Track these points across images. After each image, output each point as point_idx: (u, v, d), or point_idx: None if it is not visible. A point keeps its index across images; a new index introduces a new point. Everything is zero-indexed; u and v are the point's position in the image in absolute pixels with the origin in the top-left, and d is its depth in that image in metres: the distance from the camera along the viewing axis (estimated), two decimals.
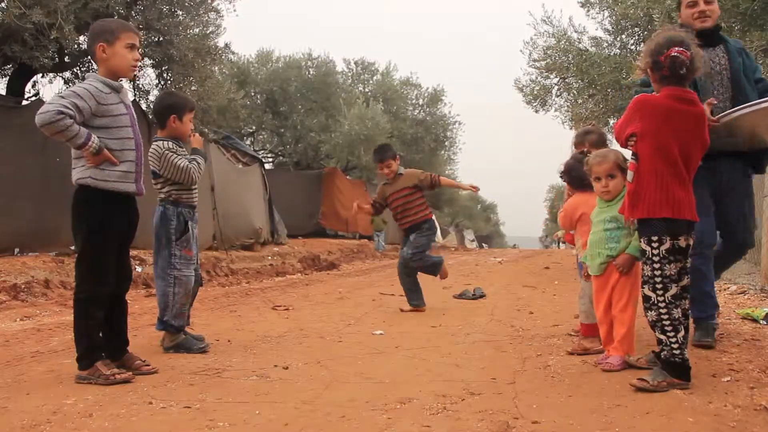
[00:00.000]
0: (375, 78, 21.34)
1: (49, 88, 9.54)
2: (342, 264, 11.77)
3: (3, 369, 3.17)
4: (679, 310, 2.69)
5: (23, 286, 5.98)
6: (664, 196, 2.67)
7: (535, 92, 9.08)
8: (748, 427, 2.21)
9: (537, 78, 9.07)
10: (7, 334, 4.20)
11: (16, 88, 8.55)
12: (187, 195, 3.66)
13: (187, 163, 3.57)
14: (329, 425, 2.29)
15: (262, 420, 2.35)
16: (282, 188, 14.69)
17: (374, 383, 2.88)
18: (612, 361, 3.05)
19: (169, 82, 9.29)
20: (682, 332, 2.69)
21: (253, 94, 18.57)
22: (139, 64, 3.12)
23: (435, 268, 5.39)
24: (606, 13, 8.32)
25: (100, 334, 3.01)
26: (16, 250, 7.05)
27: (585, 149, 3.73)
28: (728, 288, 6.03)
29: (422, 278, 5.48)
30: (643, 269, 2.76)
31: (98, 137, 2.88)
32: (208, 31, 9.18)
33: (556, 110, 9.33)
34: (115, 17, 7.51)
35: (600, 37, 8.52)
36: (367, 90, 21.09)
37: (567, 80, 8.72)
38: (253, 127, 19.50)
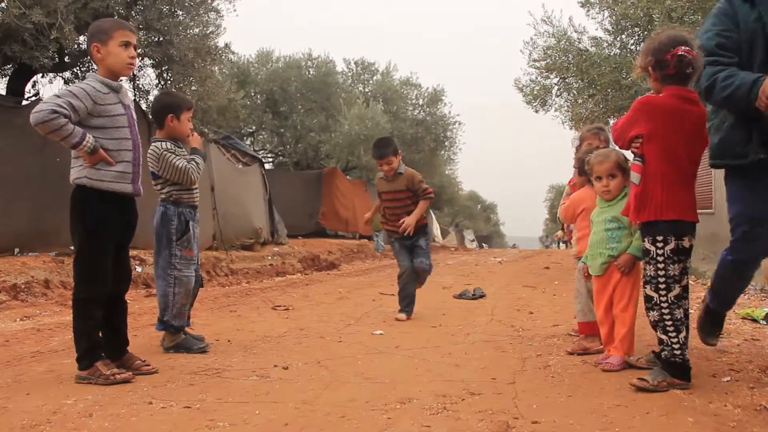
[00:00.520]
0: (375, 78, 21.34)
1: (49, 88, 9.52)
2: (342, 264, 11.76)
3: (3, 369, 3.17)
4: (681, 310, 2.69)
5: (23, 286, 5.97)
6: (670, 198, 2.67)
7: (535, 92, 9.08)
8: (748, 427, 2.21)
9: (537, 78, 9.08)
10: (7, 334, 4.20)
11: (16, 88, 8.55)
12: (187, 195, 3.66)
13: (186, 163, 3.56)
14: (329, 425, 2.29)
15: (262, 420, 2.35)
16: (282, 188, 14.69)
17: (374, 383, 2.88)
18: (612, 361, 3.05)
19: (169, 82, 9.29)
20: (684, 333, 2.69)
21: (253, 94, 18.56)
22: (136, 61, 3.08)
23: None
24: (606, 13, 8.32)
25: (100, 334, 3.01)
26: (16, 250, 7.05)
27: (599, 144, 3.75)
28: None
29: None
30: (645, 269, 2.75)
31: (95, 137, 2.88)
32: (208, 31, 9.17)
33: (556, 110, 9.34)
34: (115, 17, 7.51)
35: (600, 37, 8.53)
36: (367, 90, 21.08)
37: (567, 80, 8.73)
38: (253, 127, 19.49)
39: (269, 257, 11.03)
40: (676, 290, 2.68)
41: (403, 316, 4.90)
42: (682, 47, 2.62)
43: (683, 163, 2.69)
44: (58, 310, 5.35)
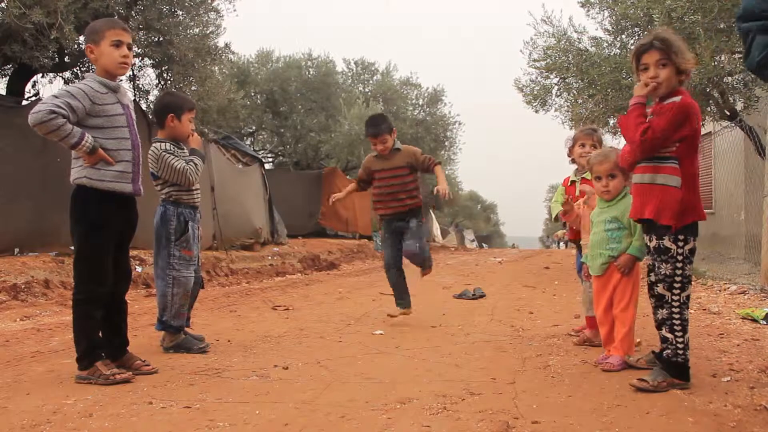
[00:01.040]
0: (375, 78, 21.33)
1: (49, 88, 9.52)
2: (342, 264, 11.76)
3: (3, 369, 3.17)
4: (688, 311, 2.70)
5: (23, 286, 5.97)
6: (699, 198, 2.69)
7: (535, 92, 9.07)
8: (748, 427, 2.22)
9: (537, 78, 9.06)
10: (7, 334, 4.20)
11: (16, 88, 8.55)
12: (187, 195, 3.66)
13: (184, 164, 3.55)
14: (329, 425, 2.29)
15: (262, 420, 2.35)
16: (282, 188, 14.69)
17: (374, 383, 2.88)
18: (612, 361, 3.05)
19: (169, 82, 9.28)
20: (688, 333, 2.70)
21: (253, 94, 18.56)
22: (130, 60, 3.05)
23: (430, 260, 4.80)
24: (606, 13, 8.31)
25: (100, 334, 3.01)
26: (16, 250, 7.05)
27: (593, 144, 3.76)
28: (728, 288, 6.03)
29: (420, 276, 5.37)
30: (659, 267, 2.70)
31: (93, 137, 2.88)
32: (208, 31, 9.17)
33: (556, 110, 9.33)
34: (115, 17, 7.51)
35: (600, 37, 8.51)
36: (367, 90, 21.08)
37: (567, 80, 8.72)
38: (253, 127, 19.49)
39: (269, 257, 11.03)
40: (688, 290, 2.69)
41: (396, 311, 4.62)
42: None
43: (698, 163, 2.72)
44: (58, 310, 5.35)
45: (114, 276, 3.05)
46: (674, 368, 2.68)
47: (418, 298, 6.21)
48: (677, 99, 2.65)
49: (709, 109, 7.88)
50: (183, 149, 3.65)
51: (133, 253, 3.50)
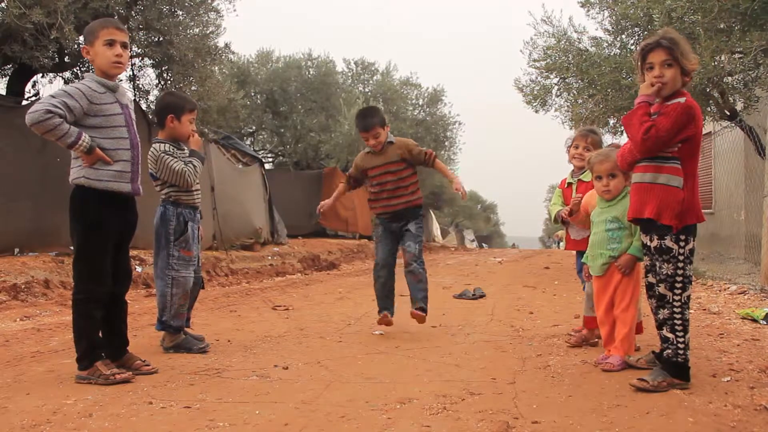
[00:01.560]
0: (375, 78, 21.32)
1: (49, 88, 9.50)
2: (342, 264, 11.76)
3: (3, 369, 3.17)
4: (689, 311, 2.70)
5: (23, 286, 5.97)
6: (698, 199, 2.69)
7: (535, 92, 9.06)
8: (748, 427, 2.22)
9: (537, 78, 9.05)
10: (7, 334, 4.20)
11: (16, 88, 8.55)
12: (187, 196, 3.66)
13: (183, 166, 3.55)
14: (329, 425, 2.29)
15: (262, 420, 2.35)
16: (282, 188, 14.69)
17: (374, 383, 2.88)
18: (612, 361, 3.05)
19: (169, 82, 9.27)
20: (689, 334, 2.70)
21: (253, 94, 18.55)
22: (125, 59, 3.01)
23: (426, 290, 4.23)
24: (606, 13, 8.30)
25: (100, 334, 3.01)
26: (16, 250, 7.05)
27: (585, 146, 3.78)
28: (728, 288, 6.03)
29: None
30: (660, 267, 2.70)
31: (91, 136, 2.88)
32: (208, 31, 9.16)
33: (556, 110, 9.32)
34: (115, 17, 7.51)
35: (600, 37, 8.50)
36: (367, 90, 21.07)
37: (567, 80, 8.71)
38: (253, 127, 19.49)
39: (269, 257, 11.03)
40: (689, 290, 2.69)
41: (382, 317, 4.18)
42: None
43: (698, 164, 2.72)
44: (58, 310, 5.34)
45: (114, 276, 3.05)
46: (674, 368, 2.68)
47: None
48: (682, 100, 2.65)
49: (709, 109, 7.87)
50: (183, 149, 3.65)
51: (133, 253, 3.51)
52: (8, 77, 8.64)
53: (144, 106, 9.17)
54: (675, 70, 2.66)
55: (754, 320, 4.30)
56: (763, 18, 5.98)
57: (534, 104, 9.23)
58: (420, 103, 21.56)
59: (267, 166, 16.88)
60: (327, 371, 3.12)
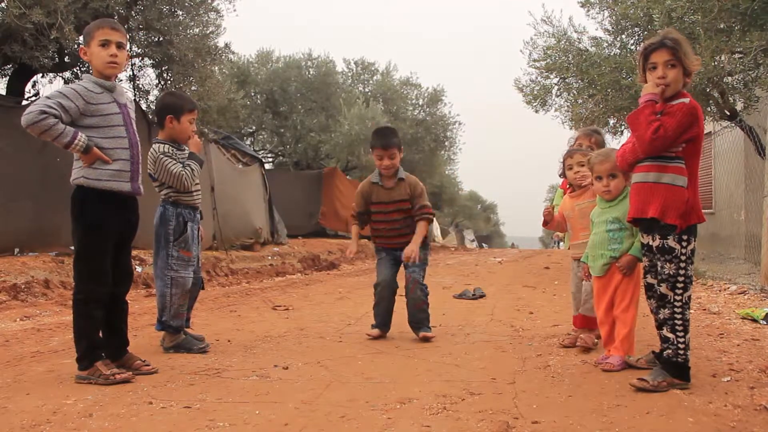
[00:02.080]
0: (375, 78, 21.34)
1: (49, 88, 9.50)
2: (342, 264, 11.76)
3: (3, 369, 3.17)
4: (689, 311, 2.70)
5: (23, 286, 5.97)
6: (699, 199, 2.69)
7: (535, 92, 9.06)
8: (748, 427, 2.22)
9: (537, 78, 9.06)
10: (7, 334, 4.20)
11: (16, 88, 8.55)
12: (187, 196, 3.65)
13: (180, 169, 3.54)
14: (329, 425, 2.29)
15: (262, 420, 2.35)
16: (282, 188, 14.70)
17: (374, 383, 2.88)
18: (612, 361, 3.05)
19: (169, 82, 9.27)
20: (689, 334, 2.70)
21: (253, 94, 18.57)
22: (121, 59, 3.00)
23: (427, 313, 4.07)
24: (606, 13, 8.31)
25: (100, 334, 3.01)
26: (16, 250, 7.05)
27: (589, 145, 3.80)
28: (728, 288, 6.04)
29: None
30: (662, 267, 2.70)
31: (89, 136, 2.87)
32: (208, 31, 9.16)
33: (556, 110, 9.32)
34: (115, 17, 7.51)
35: (600, 37, 8.51)
36: (367, 90, 21.09)
37: (567, 80, 8.71)
38: (253, 127, 19.50)
39: (269, 257, 11.03)
40: (690, 290, 2.69)
41: (375, 331, 4.08)
42: None
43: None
44: (58, 310, 5.34)
45: (115, 276, 3.05)
46: (675, 368, 2.68)
47: None
48: (686, 100, 2.65)
49: (709, 109, 7.87)
50: (184, 150, 3.65)
51: (133, 253, 3.50)
52: (8, 77, 8.65)
53: (144, 106, 9.17)
54: (678, 71, 2.67)
55: (754, 320, 4.30)
56: (763, 18, 5.98)
57: (534, 104, 9.24)
58: (420, 103, 21.57)
59: (267, 166, 16.90)
60: (327, 371, 3.12)
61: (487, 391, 2.72)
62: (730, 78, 7.29)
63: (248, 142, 18.61)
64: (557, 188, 4.10)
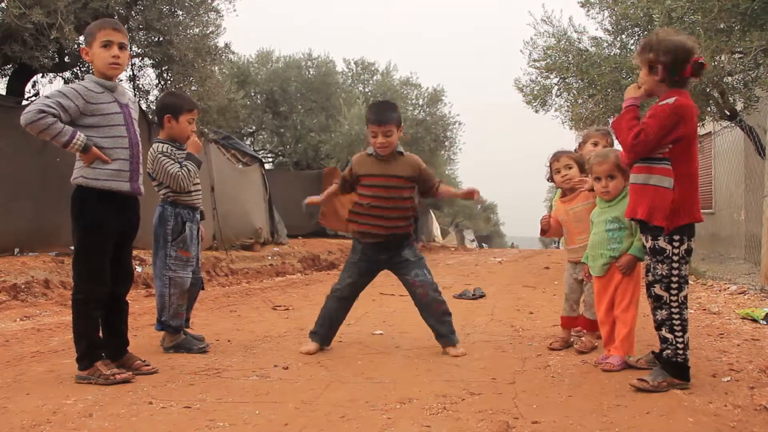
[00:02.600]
0: (375, 78, 21.33)
1: (49, 88, 9.50)
2: (342, 264, 11.76)
3: (3, 369, 3.17)
4: (687, 311, 2.70)
5: (23, 286, 5.97)
6: (696, 200, 2.68)
7: (535, 92, 9.07)
8: (748, 427, 2.22)
9: (537, 78, 9.06)
10: (7, 334, 4.20)
11: (16, 88, 8.55)
12: (185, 196, 3.65)
13: (177, 169, 3.53)
14: (329, 425, 2.29)
15: (262, 420, 2.35)
16: (282, 188, 14.69)
17: (374, 383, 2.88)
18: (612, 361, 3.05)
19: (169, 82, 9.27)
20: (688, 333, 2.70)
21: (253, 94, 18.56)
22: (123, 60, 2.97)
23: (451, 324, 3.59)
24: (606, 13, 8.31)
25: (100, 334, 3.01)
26: (16, 250, 7.05)
27: (605, 144, 3.82)
28: (728, 288, 6.03)
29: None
30: (654, 268, 2.72)
31: (88, 136, 2.87)
32: (208, 31, 9.16)
33: (556, 110, 9.32)
34: (115, 17, 7.51)
35: (600, 37, 8.51)
36: (367, 90, 21.08)
37: (567, 80, 8.71)
38: (253, 127, 19.50)
39: (269, 257, 11.03)
40: (685, 290, 2.69)
41: (311, 347, 3.54)
42: (700, 58, 2.64)
43: (698, 164, 2.72)
44: (58, 310, 5.34)
45: (115, 276, 3.04)
46: (674, 368, 2.68)
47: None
48: (671, 100, 2.65)
49: (709, 109, 7.88)
50: (184, 150, 3.65)
51: (133, 253, 3.49)
52: (8, 77, 8.65)
53: (144, 106, 9.17)
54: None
55: (754, 320, 4.30)
56: (763, 18, 5.98)
57: (534, 104, 9.24)
58: (420, 103, 21.55)
59: (267, 166, 16.91)
60: (327, 371, 3.12)
61: (487, 391, 2.72)
62: (730, 78, 7.29)
63: (248, 142, 18.62)
64: (557, 189, 4.09)
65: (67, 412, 2.45)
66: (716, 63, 6.53)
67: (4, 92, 8.48)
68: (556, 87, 9.02)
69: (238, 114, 13.34)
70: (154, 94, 9.55)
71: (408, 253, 3.57)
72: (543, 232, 3.80)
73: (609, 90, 7.74)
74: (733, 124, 8.47)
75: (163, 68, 9.15)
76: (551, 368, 3.13)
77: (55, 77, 9.25)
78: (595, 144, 3.84)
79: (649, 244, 2.74)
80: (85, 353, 2.92)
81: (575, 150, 3.95)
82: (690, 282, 2.86)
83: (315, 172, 17.69)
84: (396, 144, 3.52)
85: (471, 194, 3.60)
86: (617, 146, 3.49)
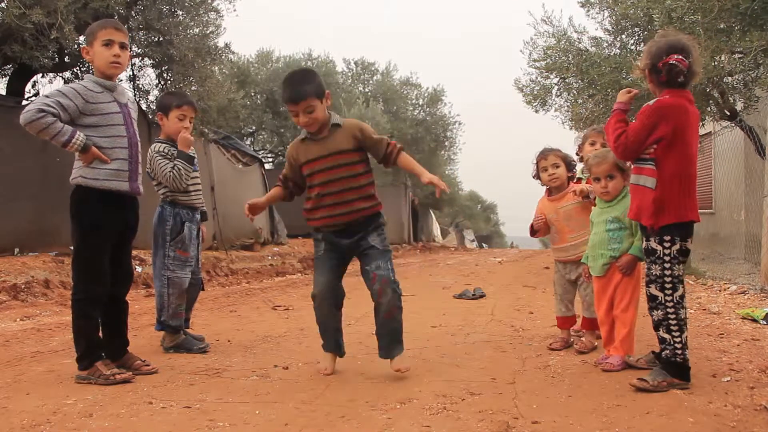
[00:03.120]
0: (375, 78, 21.35)
1: (49, 88, 9.52)
2: None
3: (3, 369, 3.17)
4: (684, 310, 2.70)
5: (23, 286, 5.98)
6: (688, 200, 2.68)
7: (535, 92, 9.06)
8: (748, 427, 2.22)
9: (537, 78, 9.05)
10: (7, 334, 4.20)
11: (16, 88, 8.55)
12: (183, 196, 3.65)
13: (170, 168, 3.54)
14: (329, 425, 2.29)
15: (262, 420, 2.35)
16: None
17: (374, 383, 2.88)
18: (612, 361, 3.05)
19: (169, 82, 9.28)
20: (686, 333, 2.70)
21: (253, 94, 18.57)
22: (123, 60, 2.93)
23: (402, 331, 3.12)
24: (606, 13, 8.31)
25: (100, 334, 3.01)
26: (16, 250, 7.05)
27: (603, 143, 3.81)
28: (728, 288, 6.03)
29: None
30: (649, 268, 2.74)
31: (88, 135, 2.87)
32: (208, 31, 9.17)
33: (556, 110, 9.32)
34: (115, 17, 7.51)
35: (600, 37, 8.51)
36: (367, 90, 21.09)
37: (567, 80, 8.71)
38: (253, 127, 19.51)
39: (269, 257, 11.04)
40: (680, 290, 2.69)
41: (326, 364, 3.15)
42: (676, 56, 2.62)
43: (693, 163, 2.71)
44: (58, 310, 5.35)
45: (115, 276, 3.04)
46: (674, 368, 2.68)
47: (418, 298, 6.21)
48: (652, 102, 2.69)
49: (709, 109, 7.88)
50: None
51: (133, 253, 3.50)
52: (8, 77, 8.66)
53: (144, 106, 9.17)
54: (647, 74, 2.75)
55: (754, 320, 4.30)
56: (763, 18, 5.98)
57: (534, 104, 9.24)
58: (420, 103, 21.57)
59: (267, 166, 16.89)
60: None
61: (487, 391, 2.72)
62: (730, 78, 7.29)
63: (248, 142, 18.62)
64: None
65: (67, 412, 2.45)
66: (716, 63, 6.53)
67: (4, 92, 8.49)
68: (556, 87, 9.02)
69: (238, 114, 13.34)
70: (154, 94, 9.57)
71: (376, 239, 3.05)
72: (534, 232, 3.78)
73: (609, 90, 7.74)
74: (733, 124, 8.47)
75: (163, 68, 9.16)
76: (551, 368, 3.13)
77: (55, 77, 9.26)
78: (593, 143, 3.83)
79: (644, 245, 2.78)
80: (85, 353, 2.92)
81: (575, 152, 3.95)
82: (690, 282, 2.87)
83: None
84: (326, 116, 2.96)
85: (433, 183, 2.94)
86: None
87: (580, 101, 8.63)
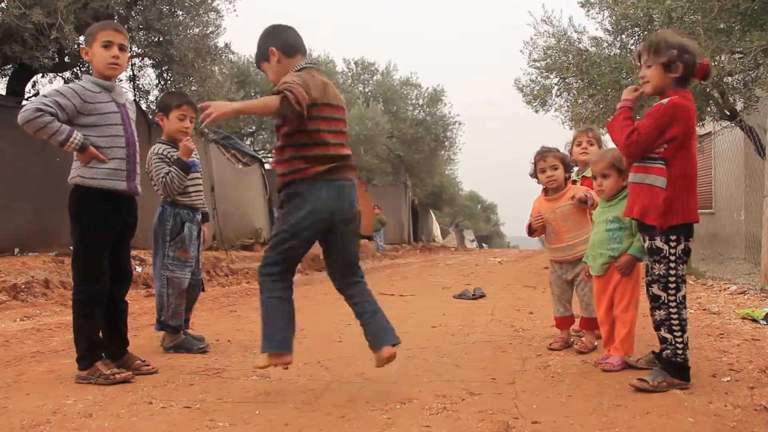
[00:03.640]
0: (375, 78, 21.35)
1: (48, 88, 9.51)
2: None
3: (3, 369, 3.17)
4: (686, 310, 2.70)
5: (23, 286, 5.98)
6: (692, 200, 2.68)
7: (535, 92, 9.07)
8: (748, 427, 2.22)
9: (537, 78, 9.06)
10: (7, 334, 4.20)
11: (16, 88, 8.55)
12: (183, 197, 3.65)
13: (164, 174, 3.53)
14: (329, 425, 2.29)
15: (262, 420, 2.35)
16: None
17: (374, 383, 2.88)
18: (612, 361, 3.05)
19: (169, 82, 9.28)
20: (687, 333, 2.70)
21: (253, 94, 18.55)
22: (122, 61, 2.96)
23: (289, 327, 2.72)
24: (606, 13, 8.32)
25: (100, 334, 3.01)
26: (16, 250, 7.05)
27: (588, 141, 3.82)
28: (728, 288, 6.03)
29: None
30: (652, 268, 2.72)
31: (86, 135, 2.87)
32: (208, 31, 9.17)
33: (556, 110, 9.33)
34: (115, 17, 7.51)
35: (600, 37, 8.51)
36: (367, 90, 21.10)
37: (567, 80, 8.71)
38: (253, 127, 19.50)
39: None
40: (683, 290, 2.69)
41: (262, 358, 2.63)
42: (706, 59, 2.67)
43: (696, 165, 2.71)
44: (58, 310, 5.35)
45: (114, 276, 3.04)
46: (674, 368, 2.68)
47: (418, 298, 6.22)
48: (665, 100, 2.65)
49: (709, 109, 7.88)
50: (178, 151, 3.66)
51: (133, 253, 3.50)
52: (8, 77, 8.66)
53: (144, 106, 9.18)
54: (655, 70, 2.70)
55: (754, 320, 4.30)
56: (763, 18, 5.98)
57: (534, 104, 9.24)
58: (420, 103, 21.58)
59: (267, 166, 16.89)
60: (327, 371, 3.12)
61: (487, 391, 2.72)
62: (730, 78, 7.29)
63: (248, 142, 18.60)
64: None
65: (67, 412, 2.45)
66: (716, 63, 6.54)
67: (4, 92, 8.49)
68: (556, 87, 9.02)
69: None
70: (154, 94, 9.56)
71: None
72: (531, 232, 3.78)
73: (609, 90, 7.74)
74: (733, 124, 8.47)
75: (163, 68, 9.16)
76: (551, 368, 3.13)
77: (55, 77, 9.26)
78: (579, 144, 3.86)
79: (646, 244, 2.75)
80: (85, 353, 2.92)
81: (567, 152, 3.95)
82: (690, 282, 2.87)
83: None
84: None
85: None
86: (609, 143, 3.50)
87: (580, 101, 8.63)
